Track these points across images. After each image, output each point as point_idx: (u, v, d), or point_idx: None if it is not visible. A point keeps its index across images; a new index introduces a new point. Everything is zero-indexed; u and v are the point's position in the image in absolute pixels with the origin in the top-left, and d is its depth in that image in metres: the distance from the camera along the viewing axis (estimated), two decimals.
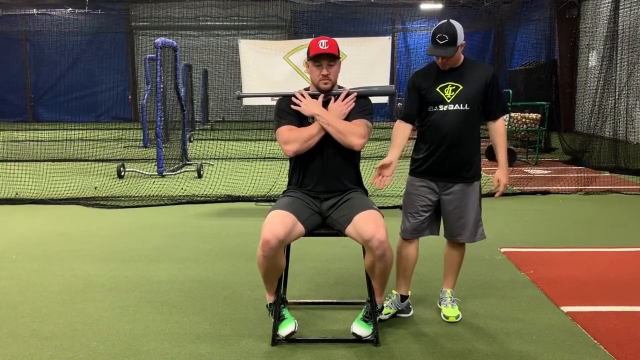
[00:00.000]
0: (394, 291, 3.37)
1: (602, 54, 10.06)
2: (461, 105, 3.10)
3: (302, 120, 3.07)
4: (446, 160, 3.15)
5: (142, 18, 18.98)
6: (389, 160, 3.14)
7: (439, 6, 16.73)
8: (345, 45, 5.85)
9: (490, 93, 3.15)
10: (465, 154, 3.18)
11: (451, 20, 3.07)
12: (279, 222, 2.83)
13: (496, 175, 3.25)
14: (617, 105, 10.05)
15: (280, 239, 2.78)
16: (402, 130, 3.22)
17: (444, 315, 3.30)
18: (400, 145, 3.20)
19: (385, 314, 3.27)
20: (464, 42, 3.09)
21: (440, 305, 3.38)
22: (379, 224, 2.82)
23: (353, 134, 2.97)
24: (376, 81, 5.68)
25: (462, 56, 3.18)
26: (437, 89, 3.12)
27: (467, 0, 14.60)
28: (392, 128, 3.32)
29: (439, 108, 3.12)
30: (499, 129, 3.23)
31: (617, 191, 7.18)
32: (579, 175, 7.95)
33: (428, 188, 3.21)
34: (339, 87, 3.16)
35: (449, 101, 3.11)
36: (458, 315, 3.29)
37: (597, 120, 9.77)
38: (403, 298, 3.34)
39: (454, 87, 3.11)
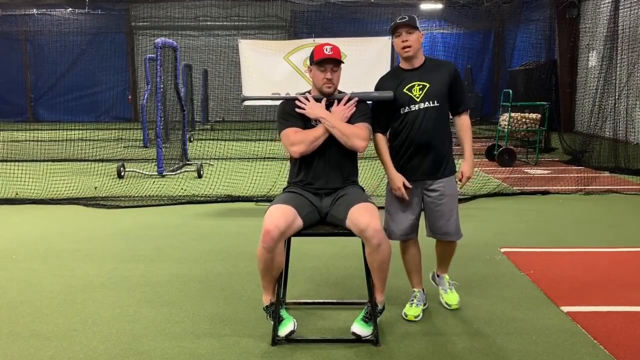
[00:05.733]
0: (415, 289, 3.42)
1: (602, 54, 10.06)
2: (431, 102, 3.18)
3: (306, 122, 3.16)
4: (426, 158, 3.21)
5: (142, 18, 18.96)
6: (400, 180, 3.22)
7: (439, 6, 16.72)
8: (345, 45, 5.84)
9: (454, 88, 3.22)
10: (442, 149, 3.24)
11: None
12: (280, 214, 2.91)
13: (461, 167, 3.30)
14: (617, 105, 10.05)
15: (281, 230, 2.85)
16: (384, 144, 3.31)
17: (447, 303, 3.41)
18: (390, 159, 3.29)
19: (416, 316, 3.28)
20: (423, 34, 3.22)
21: (439, 289, 3.49)
22: (373, 214, 2.92)
23: (357, 136, 3.08)
24: (376, 81, 5.68)
25: (424, 57, 3.26)
26: (405, 90, 3.20)
27: (467, 0, 14.58)
28: None
29: (410, 108, 3.19)
30: (464, 124, 3.30)
31: (617, 191, 7.18)
32: (579, 175, 7.95)
33: (412, 188, 3.25)
34: (339, 91, 3.25)
35: (418, 100, 3.18)
36: (459, 301, 3.38)
37: (597, 120, 9.77)
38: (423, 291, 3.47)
39: (421, 86, 3.18)
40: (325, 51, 3.09)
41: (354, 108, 3.16)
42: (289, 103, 3.21)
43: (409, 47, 3.16)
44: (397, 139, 3.27)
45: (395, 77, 3.27)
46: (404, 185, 3.21)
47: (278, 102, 3.31)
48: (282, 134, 3.16)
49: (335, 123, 3.08)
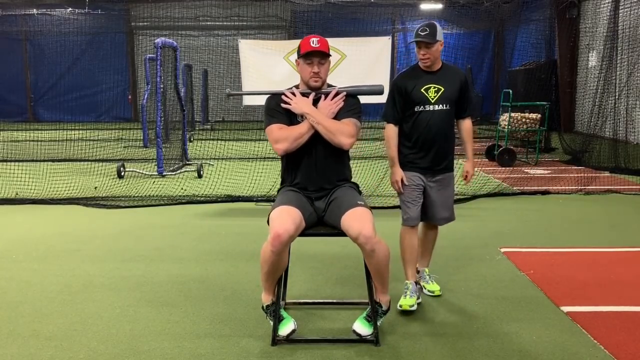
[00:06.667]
0: (407, 281, 3.50)
1: (602, 54, 10.06)
2: (444, 105, 3.43)
3: (292, 118, 3.09)
4: (434, 155, 3.47)
5: (142, 18, 18.96)
6: (399, 175, 3.45)
7: (439, 6, 16.73)
8: (345, 45, 5.86)
9: (462, 94, 3.49)
10: (448, 148, 3.52)
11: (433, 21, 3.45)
12: (288, 216, 2.86)
13: (465, 167, 3.63)
14: (617, 105, 10.05)
15: (291, 233, 2.82)
16: (395, 138, 3.48)
17: (429, 291, 3.65)
18: (397, 153, 3.49)
19: (411, 306, 3.38)
20: (443, 41, 3.40)
21: (421, 283, 3.70)
22: (364, 220, 2.84)
23: (342, 133, 3.01)
24: (376, 81, 5.68)
25: (441, 62, 3.45)
26: (422, 90, 3.39)
27: (467, 0, 14.58)
28: None
29: (425, 108, 3.40)
30: (468, 126, 3.62)
31: (617, 191, 7.18)
32: (579, 175, 7.95)
33: (419, 178, 3.48)
34: (329, 85, 3.19)
35: (433, 101, 3.41)
36: (440, 289, 3.66)
37: (597, 120, 9.77)
38: (416, 283, 3.62)
39: (437, 89, 3.41)
40: (311, 44, 3.00)
41: (342, 103, 3.08)
42: (275, 98, 3.12)
43: (427, 59, 3.37)
44: (408, 135, 3.46)
45: (414, 76, 3.45)
46: (402, 182, 3.46)
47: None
48: (267, 130, 3.09)
49: (320, 119, 3.00)
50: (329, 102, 3.07)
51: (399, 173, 3.46)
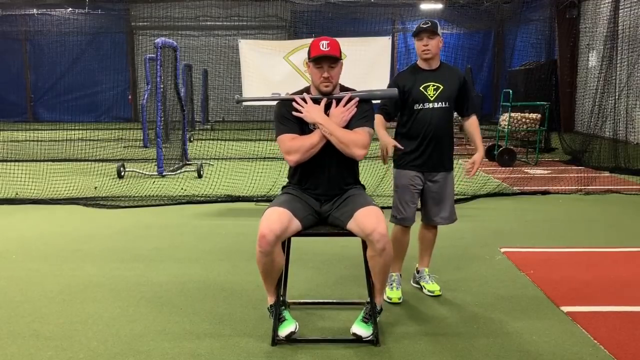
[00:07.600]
0: (393, 273, 3.60)
1: (602, 54, 10.06)
2: (443, 103, 3.48)
3: (303, 126, 3.03)
4: (433, 153, 3.50)
5: (142, 18, 18.98)
6: (390, 143, 3.47)
7: (439, 6, 16.73)
8: (345, 45, 5.82)
9: (463, 92, 3.55)
10: (447, 146, 3.55)
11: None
12: (276, 218, 2.85)
13: (474, 156, 3.63)
14: (617, 105, 10.05)
15: (277, 234, 2.80)
16: (384, 124, 3.55)
17: (429, 291, 3.66)
18: (385, 129, 3.55)
19: (399, 298, 3.52)
20: (442, 40, 3.49)
21: (421, 283, 3.75)
22: (379, 218, 2.85)
23: (356, 144, 2.95)
24: (376, 81, 5.69)
25: (440, 61, 3.54)
26: (421, 88, 3.46)
27: (467, 0, 14.59)
28: (394, 128, 3.62)
29: (424, 105, 3.45)
30: (473, 122, 3.68)
31: (617, 191, 7.18)
32: (579, 175, 7.94)
33: (418, 178, 3.52)
34: (342, 86, 3.12)
35: (432, 99, 3.47)
36: (440, 289, 3.67)
37: (597, 120, 9.77)
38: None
39: (436, 87, 3.47)
40: (321, 47, 2.92)
41: (355, 109, 3.01)
42: (286, 104, 3.03)
43: (429, 50, 3.43)
44: (408, 133, 3.51)
45: (413, 75, 3.52)
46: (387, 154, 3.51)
47: (275, 103, 3.20)
48: (278, 139, 3.03)
49: (333, 129, 2.92)
50: (342, 110, 2.99)
51: (390, 142, 3.46)
